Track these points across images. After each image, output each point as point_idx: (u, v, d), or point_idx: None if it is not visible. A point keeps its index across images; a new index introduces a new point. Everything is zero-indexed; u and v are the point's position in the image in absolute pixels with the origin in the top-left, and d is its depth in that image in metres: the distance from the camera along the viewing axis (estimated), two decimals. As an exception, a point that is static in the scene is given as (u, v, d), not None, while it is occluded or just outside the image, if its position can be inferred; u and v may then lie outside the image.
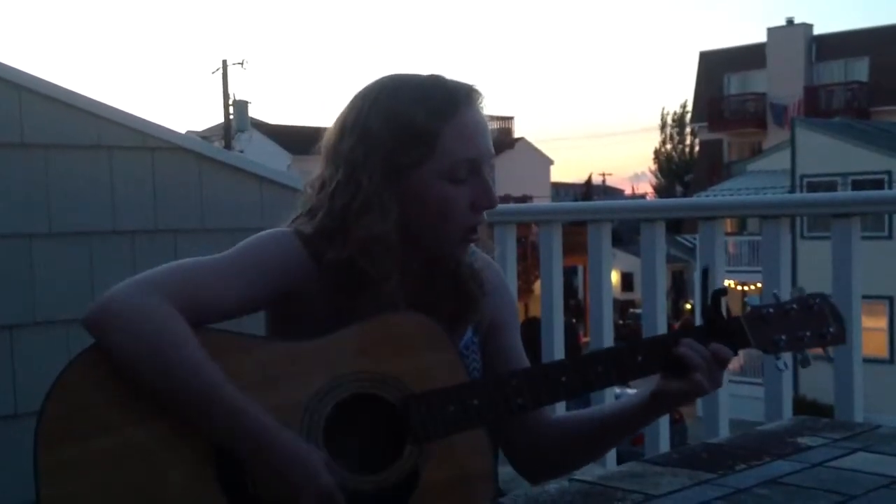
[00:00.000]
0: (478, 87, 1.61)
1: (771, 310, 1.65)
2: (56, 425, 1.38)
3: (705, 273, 1.71)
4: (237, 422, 1.40)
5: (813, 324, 1.66)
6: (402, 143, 1.54)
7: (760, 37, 38.53)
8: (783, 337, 1.64)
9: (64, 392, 1.40)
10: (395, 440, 1.49)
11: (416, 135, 1.54)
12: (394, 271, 1.56)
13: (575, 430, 1.72)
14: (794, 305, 1.66)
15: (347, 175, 1.56)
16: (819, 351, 1.68)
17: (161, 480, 1.40)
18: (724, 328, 1.62)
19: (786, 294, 1.70)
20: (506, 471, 1.87)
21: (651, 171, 48.19)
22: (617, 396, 1.94)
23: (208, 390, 1.40)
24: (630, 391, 1.63)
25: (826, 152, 24.47)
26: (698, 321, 1.67)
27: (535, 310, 4.56)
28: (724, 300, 1.65)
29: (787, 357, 1.68)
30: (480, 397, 1.51)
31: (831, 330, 1.66)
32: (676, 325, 26.91)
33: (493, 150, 1.62)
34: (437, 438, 1.49)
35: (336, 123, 1.62)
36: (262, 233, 1.59)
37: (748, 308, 1.66)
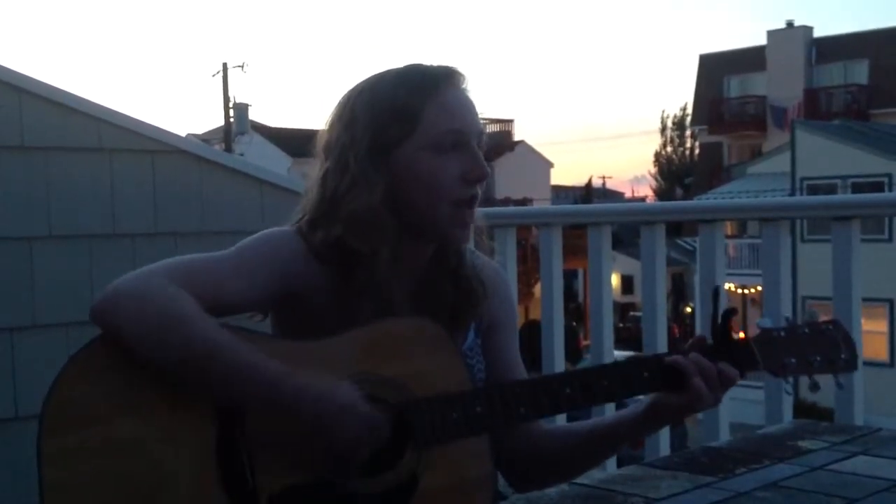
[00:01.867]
0: (459, 68, 1.63)
1: (782, 333, 1.63)
2: (59, 415, 1.39)
3: (716, 293, 1.68)
4: (273, 388, 1.39)
5: (824, 349, 1.64)
6: (385, 123, 1.57)
7: (760, 39, 38.55)
8: (793, 360, 1.62)
9: (68, 383, 1.40)
10: (396, 444, 1.48)
11: (398, 112, 1.57)
12: (383, 247, 1.56)
13: (570, 441, 1.71)
14: (806, 329, 1.64)
15: (335, 161, 1.60)
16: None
17: (161, 471, 1.40)
18: (734, 349, 1.61)
19: (787, 309, 1.68)
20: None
21: (651, 174, 48.26)
22: (618, 407, 1.94)
23: (228, 356, 1.40)
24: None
25: (826, 155, 24.47)
26: (698, 330, 1.66)
27: (536, 313, 4.56)
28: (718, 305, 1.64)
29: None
30: (484, 404, 1.51)
31: (843, 357, 1.64)
32: (676, 327, 26.93)
33: (481, 128, 1.63)
34: (439, 444, 1.48)
35: (327, 121, 1.66)
36: (266, 230, 1.61)
37: (759, 330, 1.64)
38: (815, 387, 1.63)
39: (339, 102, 1.65)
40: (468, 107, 1.62)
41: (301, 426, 1.41)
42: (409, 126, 1.57)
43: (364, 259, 1.55)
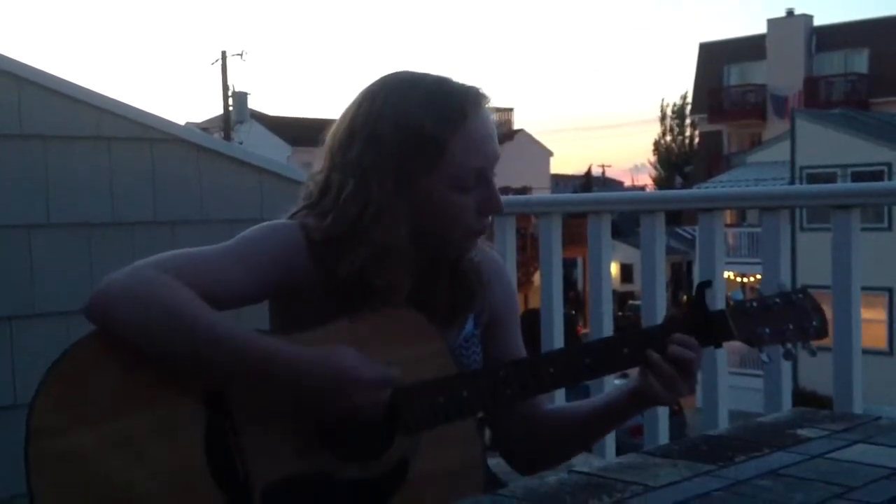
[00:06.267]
0: (484, 89, 1.60)
1: (754, 304, 1.68)
2: (48, 415, 1.38)
3: (689, 266, 1.75)
4: (271, 365, 1.42)
5: (796, 318, 1.69)
6: (411, 151, 1.54)
7: (760, 28, 38.52)
8: (767, 330, 1.67)
9: (57, 382, 1.40)
10: (386, 431, 1.49)
11: (425, 142, 1.54)
12: (405, 281, 1.56)
13: (567, 421, 1.74)
14: (777, 300, 1.69)
15: (358, 183, 1.55)
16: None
17: (153, 470, 1.40)
18: (709, 321, 1.65)
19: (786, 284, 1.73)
20: (503, 462, 1.86)
21: (651, 163, 48.22)
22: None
23: (229, 341, 1.41)
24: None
25: (826, 144, 24.47)
26: None
27: (535, 301, 4.57)
28: (707, 292, 1.69)
29: (770, 351, 1.70)
30: (470, 388, 1.53)
31: (814, 324, 1.69)
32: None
33: (499, 153, 1.62)
34: (427, 429, 1.50)
35: (344, 123, 1.61)
36: (265, 223, 1.59)
37: (731, 302, 1.69)
38: (789, 355, 1.69)
39: (360, 106, 1.59)
40: (490, 136, 1.60)
41: (314, 395, 1.43)
42: (434, 159, 1.55)
43: (380, 291, 1.55)
